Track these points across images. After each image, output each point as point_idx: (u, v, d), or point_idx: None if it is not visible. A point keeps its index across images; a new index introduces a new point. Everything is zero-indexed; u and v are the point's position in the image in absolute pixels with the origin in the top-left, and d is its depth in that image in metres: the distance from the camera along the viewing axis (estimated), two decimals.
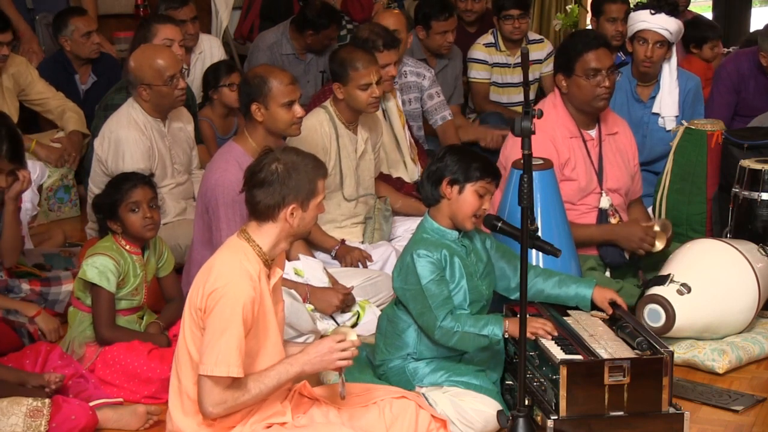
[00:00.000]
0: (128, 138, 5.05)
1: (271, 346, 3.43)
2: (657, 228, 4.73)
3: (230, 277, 3.30)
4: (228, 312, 3.26)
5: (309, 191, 3.39)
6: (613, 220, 4.79)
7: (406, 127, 5.96)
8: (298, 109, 4.52)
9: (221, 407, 3.29)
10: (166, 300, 4.50)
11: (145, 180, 4.34)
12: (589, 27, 7.49)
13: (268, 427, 3.38)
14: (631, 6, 6.60)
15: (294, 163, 3.39)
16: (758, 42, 6.12)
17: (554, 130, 4.68)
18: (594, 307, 4.00)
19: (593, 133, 4.85)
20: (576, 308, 4.01)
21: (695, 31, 7.14)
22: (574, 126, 4.79)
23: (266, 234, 3.40)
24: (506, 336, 3.72)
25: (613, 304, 3.96)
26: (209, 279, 3.32)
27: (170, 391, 3.46)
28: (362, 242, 5.23)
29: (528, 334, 3.61)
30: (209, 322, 3.28)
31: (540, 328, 3.74)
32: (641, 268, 4.81)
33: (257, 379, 3.32)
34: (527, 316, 3.56)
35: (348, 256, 5.03)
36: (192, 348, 3.36)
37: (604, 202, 4.77)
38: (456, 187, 3.81)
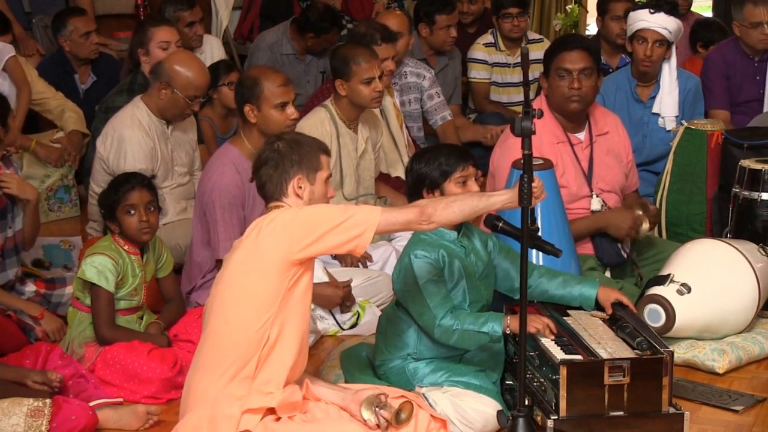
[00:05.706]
0: (132, 138, 5.05)
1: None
2: (639, 212, 4.73)
3: None
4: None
5: (312, 162, 3.46)
6: None
7: (404, 126, 5.96)
8: (291, 111, 4.51)
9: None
10: (165, 300, 4.50)
11: (144, 182, 4.32)
12: (591, 26, 7.49)
13: (277, 419, 3.36)
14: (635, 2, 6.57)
15: (295, 139, 3.50)
16: (732, 12, 6.07)
17: (540, 137, 4.53)
18: (597, 306, 3.99)
19: (582, 135, 4.81)
20: (577, 308, 4.01)
21: (705, 31, 7.09)
22: (561, 131, 4.75)
23: None
24: (508, 332, 3.70)
25: (619, 304, 3.95)
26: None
27: (198, 365, 3.42)
28: None
29: (530, 328, 3.61)
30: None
31: (541, 326, 3.73)
32: (635, 261, 4.80)
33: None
34: (528, 315, 3.55)
35: (348, 255, 5.02)
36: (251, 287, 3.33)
37: (595, 204, 4.75)
38: (437, 192, 3.78)
